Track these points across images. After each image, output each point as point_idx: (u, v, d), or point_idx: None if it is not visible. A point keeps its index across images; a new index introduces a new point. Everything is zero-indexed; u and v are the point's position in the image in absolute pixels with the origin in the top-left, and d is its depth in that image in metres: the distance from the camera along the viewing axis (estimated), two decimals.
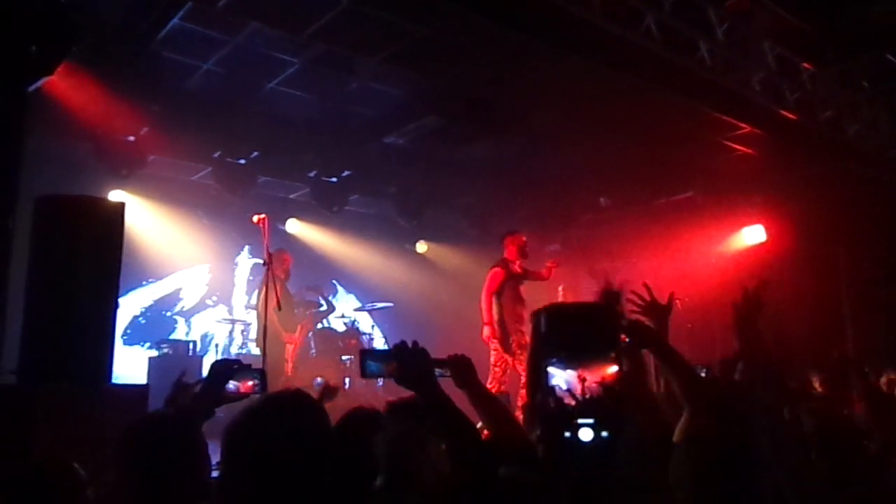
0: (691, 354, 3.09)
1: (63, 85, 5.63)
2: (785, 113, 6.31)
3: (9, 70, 3.85)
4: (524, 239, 7.58)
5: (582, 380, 1.07)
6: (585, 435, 1.02)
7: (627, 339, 2.52)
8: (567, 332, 1.09)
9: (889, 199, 8.24)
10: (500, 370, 7.10)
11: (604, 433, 1.02)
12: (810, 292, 8.91)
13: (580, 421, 1.03)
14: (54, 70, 4.22)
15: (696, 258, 9.71)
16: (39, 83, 4.28)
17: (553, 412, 1.05)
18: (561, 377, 1.08)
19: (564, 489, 1.42)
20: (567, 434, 1.03)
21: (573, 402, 1.07)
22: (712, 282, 9.30)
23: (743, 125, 7.20)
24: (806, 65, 6.29)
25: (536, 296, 7.01)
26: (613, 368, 1.06)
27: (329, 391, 3.54)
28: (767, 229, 9.33)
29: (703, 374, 3.08)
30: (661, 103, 6.82)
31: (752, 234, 9.47)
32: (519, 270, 7.42)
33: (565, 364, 1.08)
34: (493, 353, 7.20)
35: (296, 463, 1.55)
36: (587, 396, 1.06)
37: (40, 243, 4.23)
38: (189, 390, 2.54)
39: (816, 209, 8.58)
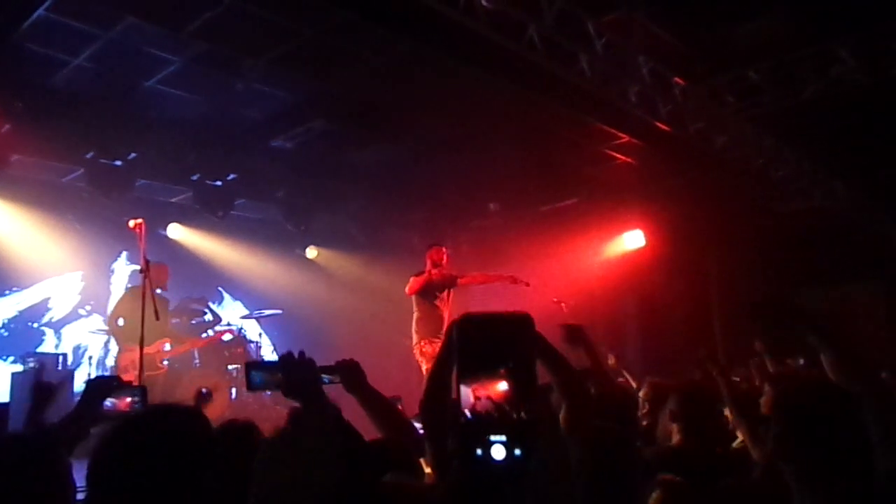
0: (574, 356, 3.20)
1: None
2: (659, 124, 6.65)
3: None
4: (438, 249, 7.71)
5: (476, 397, 1.06)
6: (497, 453, 1.02)
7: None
8: (471, 347, 1.08)
9: (753, 206, 8.88)
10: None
11: (516, 451, 1.01)
12: (684, 293, 9.47)
13: (492, 438, 1.02)
14: None
15: (580, 262, 10.09)
16: None
17: (464, 427, 1.04)
18: (463, 392, 1.07)
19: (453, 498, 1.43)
20: (479, 451, 1.02)
21: (464, 418, 1.06)
22: (596, 284, 9.70)
23: (622, 135, 7.55)
24: (677, 79, 6.66)
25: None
26: (503, 386, 1.05)
27: (203, 397, 3.43)
28: (646, 234, 9.83)
29: None
30: (546, 113, 7.04)
31: (633, 239, 9.95)
32: (433, 278, 7.50)
33: (467, 379, 1.07)
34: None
35: (172, 477, 1.47)
36: (475, 412, 1.06)
37: None
38: (52, 394, 2.40)
39: (689, 215, 9.13)
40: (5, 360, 8.30)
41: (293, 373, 1.93)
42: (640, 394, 4.05)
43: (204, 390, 7.91)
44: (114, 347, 8.78)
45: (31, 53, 6.16)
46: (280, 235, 10.09)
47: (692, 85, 6.83)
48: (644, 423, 3.58)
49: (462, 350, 1.09)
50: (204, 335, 8.80)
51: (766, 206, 8.83)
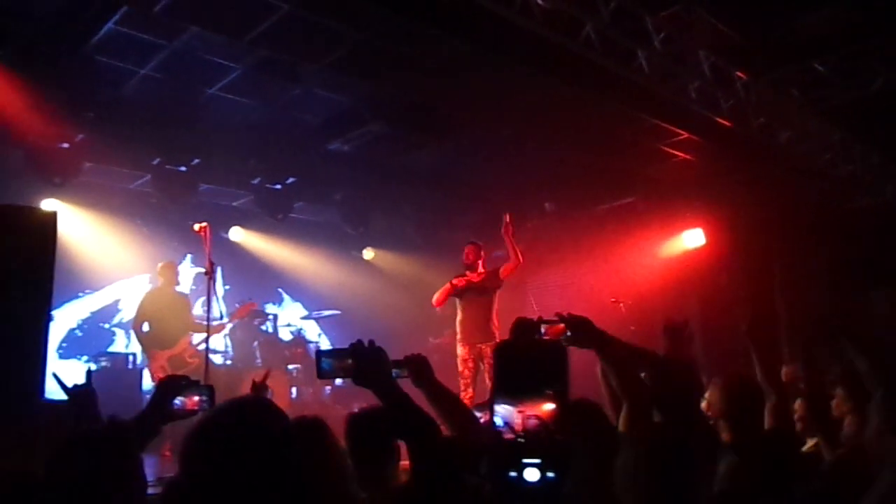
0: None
1: None
2: (720, 120, 6.50)
3: None
4: (464, 249, 7.52)
5: (525, 417, 1.07)
6: (531, 475, 1.02)
7: (568, 335, 2.57)
8: (512, 371, 1.10)
9: (819, 202, 8.59)
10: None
11: (549, 474, 1.02)
12: (747, 293, 9.20)
13: (526, 461, 1.03)
14: None
15: (638, 262, 9.92)
16: None
17: (497, 450, 1.05)
18: (503, 413, 1.09)
19: None
20: (513, 474, 1.03)
21: (511, 437, 1.07)
22: (654, 285, 9.52)
23: (681, 132, 7.41)
24: (739, 73, 6.50)
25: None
26: (550, 406, 1.06)
27: (258, 387, 3.49)
28: (706, 233, 9.60)
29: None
30: (603, 111, 6.96)
31: (692, 238, 9.73)
32: (460, 284, 7.29)
33: (508, 401, 1.09)
34: None
35: (257, 468, 1.50)
36: (525, 431, 1.07)
37: None
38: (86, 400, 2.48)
39: (752, 213, 8.88)
40: (80, 358, 8.65)
41: (364, 360, 1.96)
42: (706, 395, 3.97)
43: (256, 380, 8.15)
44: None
45: (102, 65, 6.41)
46: (338, 237, 10.24)
47: (755, 79, 6.65)
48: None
49: (500, 372, 1.11)
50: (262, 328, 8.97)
51: (833, 203, 8.52)
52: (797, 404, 3.33)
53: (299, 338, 9.54)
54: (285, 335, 9.62)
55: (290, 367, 8.76)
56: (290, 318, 10.30)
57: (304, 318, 10.35)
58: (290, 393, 8.47)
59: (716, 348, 9.12)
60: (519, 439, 1.04)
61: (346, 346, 2.08)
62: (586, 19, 5.19)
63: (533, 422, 1.07)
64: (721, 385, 3.89)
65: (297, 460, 1.52)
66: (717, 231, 9.42)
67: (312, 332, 10.43)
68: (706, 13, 5.97)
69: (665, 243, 9.97)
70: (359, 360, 1.95)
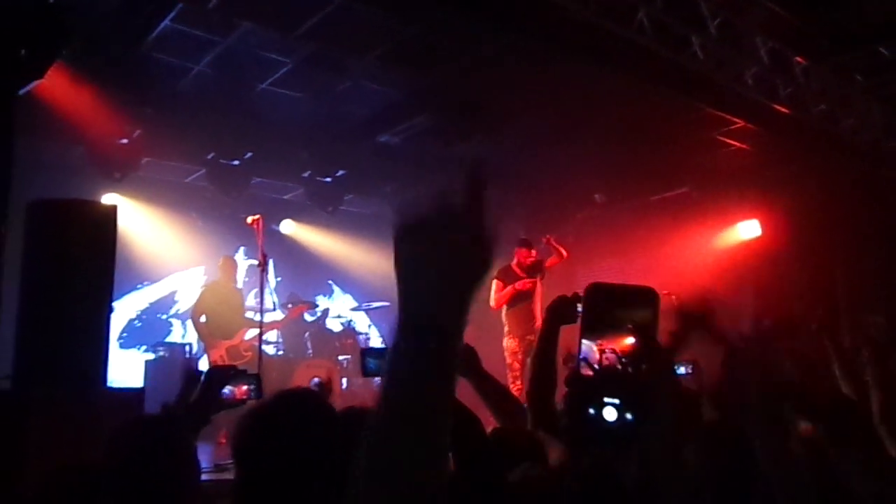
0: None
1: (54, 88, 5.60)
2: (778, 107, 6.31)
3: None
4: (516, 251, 7.71)
5: (601, 350, 1.05)
6: (609, 414, 1.00)
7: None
8: (600, 308, 1.08)
9: (883, 191, 8.26)
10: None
11: (628, 415, 1.00)
12: (806, 286, 8.93)
13: (606, 400, 1.01)
14: (44, 73, 4.19)
15: (691, 254, 9.72)
16: (30, 87, 4.25)
17: (577, 386, 1.03)
18: (584, 349, 1.07)
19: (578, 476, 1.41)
20: (591, 410, 1.01)
21: (590, 373, 1.05)
22: (709, 277, 9.31)
23: (736, 120, 7.21)
24: (799, 59, 6.29)
25: None
26: (630, 340, 1.04)
27: (324, 388, 3.55)
28: (762, 224, 9.34)
29: (689, 370, 3.10)
30: (655, 99, 6.82)
31: (747, 229, 9.48)
32: (524, 287, 7.50)
33: (592, 336, 1.07)
34: None
35: (309, 458, 1.53)
36: (604, 366, 1.05)
37: (33, 248, 4.21)
38: (197, 381, 2.53)
39: (811, 203, 8.60)
40: (139, 348, 8.91)
41: None
42: None
43: (316, 379, 8.29)
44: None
45: (158, 62, 6.57)
46: (387, 229, 10.21)
47: (815, 64, 6.44)
48: None
49: (588, 308, 1.09)
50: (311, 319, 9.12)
51: None
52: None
53: (349, 329, 9.65)
54: (335, 326, 9.74)
55: (341, 357, 8.86)
56: (340, 309, 10.42)
57: (354, 309, 10.45)
58: (341, 383, 8.57)
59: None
60: (590, 376, 1.02)
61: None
62: (640, 5, 5.09)
63: (609, 356, 1.05)
64: None
65: (341, 450, 1.54)
66: (774, 222, 9.16)
67: (362, 323, 10.53)
68: None
69: (719, 235, 9.74)
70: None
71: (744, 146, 8.24)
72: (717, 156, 8.63)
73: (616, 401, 1.01)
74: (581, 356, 1.06)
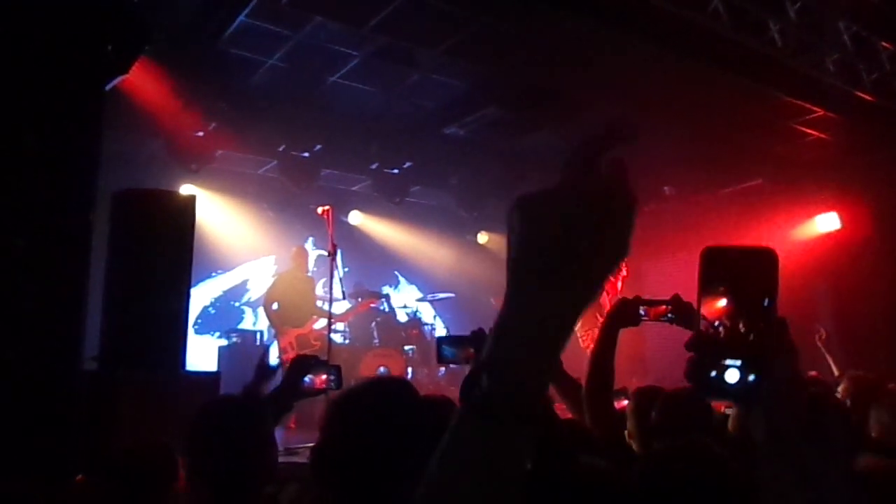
0: None
1: (136, 83, 5.84)
2: (862, 94, 6.04)
3: (87, 70, 4.01)
4: None
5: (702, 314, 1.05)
6: (731, 376, 1.00)
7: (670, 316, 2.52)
8: (713, 274, 1.08)
9: None
10: None
11: (751, 376, 1.00)
12: (888, 281, 8.54)
13: (727, 362, 1.01)
14: (129, 69, 4.38)
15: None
16: (116, 82, 4.45)
17: (699, 349, 1.04)
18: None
19: None
20: (713, 374, 1.01)
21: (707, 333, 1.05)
22: (785, 271, 8.96)
23: (816, 108, 6.94)
24: (885, 43, 6.00)
25: None
26: (722, 303, 1.03)
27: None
28: (842, 216, 8.97)
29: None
30: (728, 87, 6.62)
31: (826, 222, 9.12)
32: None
33: (706, 300, 1.07)
34: None
35: (397, 440, 1.55)
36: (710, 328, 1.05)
37: (118, 236, 4.41)
38: (271, 375, 2.61)
39: (894, 194, 8.21)
40: (213, 334, 9.23)
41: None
42: (840, 388, 3.76)
43: (382, 369, 8.42)
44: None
45: (233, 57, 6.76)
46: (453, 221, 10.35)
47: None
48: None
49: (703, 275, 1.08)
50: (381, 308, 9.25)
51: None
52: None
53: (415, 319, 9.75)
54: (401, 317, 9.85)
55: (406, 347, 8.97)
56: (405, 300, 10.54)
57: (420, 300, 10.55)
58: (406, 373, 8.67)
59: (850, 339, 8.55)
60: (705, 340, 1.02)
61: (460, 329, 2.11)
62: None
63: (704, 321, 1.04)
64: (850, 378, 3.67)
65: (430, 435, 1.56)
66: (855, 215, 8.78)
67: (428, 314, 10.61)
68: None
69: (795, 228, 9.40)
70: (479, 349, 1.96)
71: (823, 136, 7.92)
72: (794, 146, 8.33)
73: (738, 362, 1.00)
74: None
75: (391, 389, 1.69)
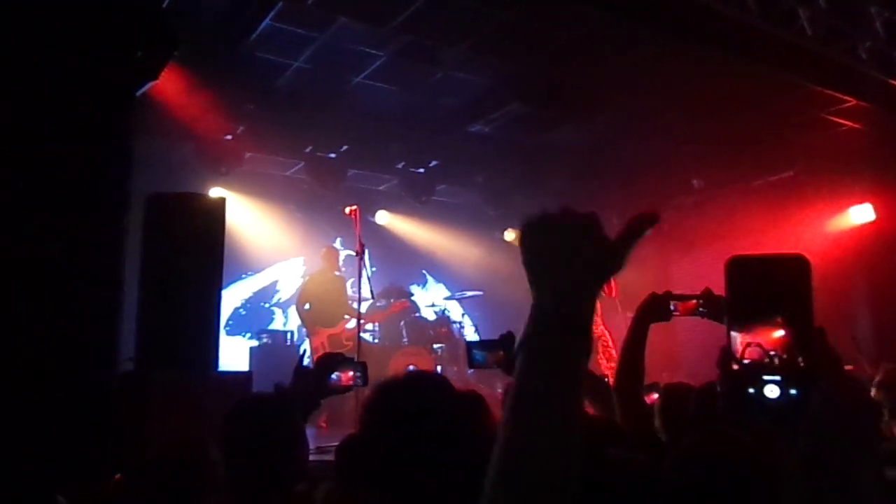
0: None
1: (165, 88, 5.93)
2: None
3: (118, 75, 4.09)
4: None
5: (746, 345, 1.02)
6: (771, 392, 0.98)
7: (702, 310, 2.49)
8: (741, 292, 1.05)
9: None
10: None
11: (792, 391, 0.97)
12: None
13: (766, 378, 0.98)
14: (159, 74, 4.45)
15: (799, 240, 9.25)
16: (146, 87, 4.52)
17: (735, 374, 1.01)
18: (735, 339, 1.03)
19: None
20: (752, 390, 0.99)
21: (735, 367, 1.02)
22: (819, 264, 8.80)
23: (848, 98, 6.81)
24: None
25: None
26: (780, 333, 1.00)
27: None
28: (876, 208, 8.79)
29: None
30: (757, 77, 6.52)
31: (860, 214, 8.95)
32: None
33: (739, 326, 1.03)
34: None
35: (436, 433, 1.55)
36: (749, 361, 1.02)
37: (151, 238, 4.49)
38: (308, 376, 2.64)
39: None
40: (244, 335, 9.33)
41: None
42: (876, 380, 3.69)
43: (412, 367, 8.44)
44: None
45: (259, 60, 6.83)
46: (480, 219, 10.34)
47: None
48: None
49: (734, 294, 1.05)
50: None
51: None
52: None
53: (443, 318, 9.75)
54: (430, 315, 9.87)
55: (436, 346, 8.98)
56: (433, 298, 10.55)
57: (448, 298, 10.55)
58: (436, 371, 8.69)
59: (887, 331, 8.38)
60: (741, 368, 0.99)
61: (489, 327, 2.11)
62: None
63: (756, 350, 1.02)
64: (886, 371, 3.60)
65: (466, 430, 1.57)
66: (890, 206, 8.60)
67: (456, 312, 10.62)
68: None
69: (829, 220, 9.23)
70: (510, 351, 1.96)
71: (856, 125, 7.77)
72: (825, 137, 8.17)
73: (777, 377, 0.98)
74: (731, 351, 1.02)
75: (427, 384, 1.69)
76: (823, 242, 9.14)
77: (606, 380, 2.59)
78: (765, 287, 1.04)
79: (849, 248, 8.89)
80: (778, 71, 6.06)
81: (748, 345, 1.01)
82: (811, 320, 1.02)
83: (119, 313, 3.92)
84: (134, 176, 4.28)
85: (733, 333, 1.02)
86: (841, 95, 6.73)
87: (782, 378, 0.97)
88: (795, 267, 1.05)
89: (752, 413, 1.00)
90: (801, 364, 0.98)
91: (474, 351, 2.29)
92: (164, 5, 4.53)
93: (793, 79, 6.28)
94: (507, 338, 1.99)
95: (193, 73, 6.32)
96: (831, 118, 7.66)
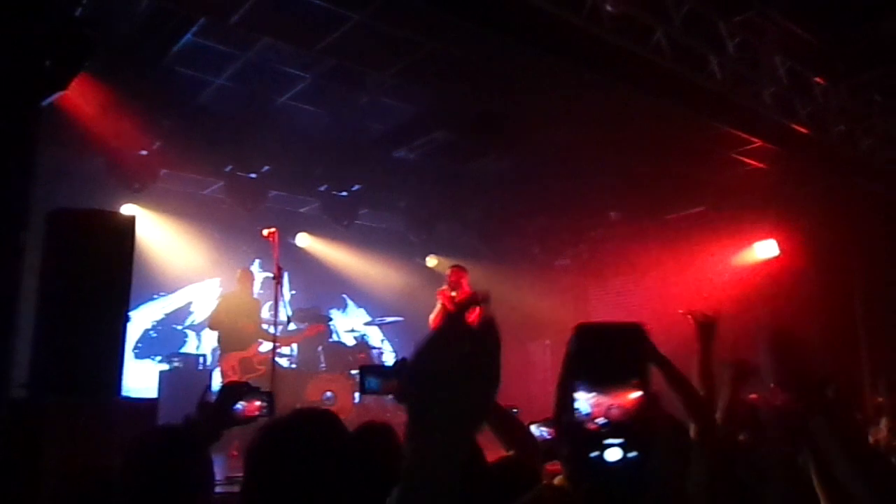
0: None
1: (76, 99, 5.69)
2: (797, 127, 6.28)
3: (23, 85, 3.88)
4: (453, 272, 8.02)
5: (609, 406, 1.03)
6: (612, 455, 0.99)
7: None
8: (593, 356, 1.06)
9: None
10: None
11: (631, 453, 0.99)
12: (824, 307, 8.82)
13: (607, 441, 0.99)
14: (68, 85, 4.27)
15: (707, 273, 9.65)
16: (53, 98, 4.32)
17: (578, 436, 1.02)
18: (584, 400, 1.05)
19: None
20: (593, 454, 1.00)
21: (594, 427, 1.04)
22: (725, 297, 9.23)
23: (754, 139, 7.18)
24: (818, 79, 6.27)
25: None
26: (636, 394, 1.02)
27: (327, 400, 3.53)
28: (780, 244, 9.27)
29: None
30: (671, 118, 6.81)
31: (765, 249, 9.41)
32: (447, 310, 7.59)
33: (589, 387, 1.05)
34: None
35: (320, 475, 1.52)
36: (609, 420, 1.03)
37: (51, 256, 4.25)
38: (211, 412, 2.53)
39: (829, 223, 8.52)
40: (154, 359, 8.95)
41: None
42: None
43: (329, 393, 8.29)
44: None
45: (179, 76, 6.65)
46: (402, 244, 10.32)
47: (834, 84, 6.41)
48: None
49: (580, 358, 1.07)
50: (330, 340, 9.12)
51: None
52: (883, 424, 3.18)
53: (362, 343, 9.64)
54: (349, 340, 9.74)
55: (353, 372, 8.84)
56: (353, 323, 10.43)
57: (368, 324, 10.45)
58: (353, 398, 8.55)
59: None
60: (602, 427, 1.00)
61: (407, 354, 2.08)
62: (657, 25, 5.10)
63: (616, 412, 1.03)
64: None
65: (357, 473, 1.53)
66: (792, 242, 9.08)
67: (376, 337, 10.52)
68: (782, 17, 5.79)
69: (736, 254, 9.67)
70: (403, 380, 1.92)
71: (762, 165, 8.20)
72: (734, 175, 8.60)
73: (619, 440, 1.00)
74: (586, 411, 1.04)
75: (314, 424, 1.65)
76: (730, 275, 9.56)
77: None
78: (609, 351, 1.08)
79: (754, 281, 9.32)
80: (690, 112, 6.35)
81: (610, 407, 1.03)
82: (650, 382, 1.07)
83: (10, 335, 3.68)
84: (37, 190, 4.07)
85: (582, 395, 1.04)
86: (747, 136, 7.09)
87: (624, 441, 0.99)
88: (634, 333, 1.10)
89: (594, 478, 1.02)
90: (645, 425, 1.01)
91: (368, 378, 2.22)
92: (77, 14, 4.35)
93: (703, 120, 6.58)
94: (402, 365, 1.94)
95: (108, 86, 6.09)
96: (739, 157, 8.06)
